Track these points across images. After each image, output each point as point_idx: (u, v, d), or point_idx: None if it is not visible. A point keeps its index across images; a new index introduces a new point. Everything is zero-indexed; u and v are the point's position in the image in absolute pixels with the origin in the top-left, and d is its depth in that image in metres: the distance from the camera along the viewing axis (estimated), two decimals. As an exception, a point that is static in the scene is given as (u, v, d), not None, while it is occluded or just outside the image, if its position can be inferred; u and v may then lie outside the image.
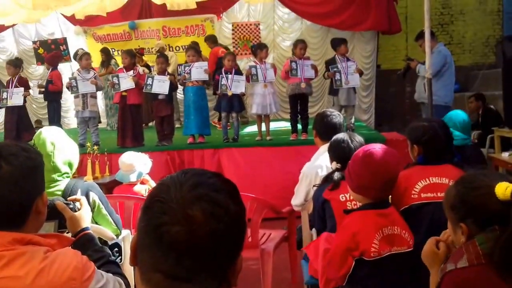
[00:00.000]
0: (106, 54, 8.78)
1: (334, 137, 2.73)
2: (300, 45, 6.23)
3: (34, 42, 10.03)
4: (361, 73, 6.50)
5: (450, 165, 2.46)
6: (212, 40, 8.45)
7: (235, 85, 6.05)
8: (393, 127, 8.73)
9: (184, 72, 6.17)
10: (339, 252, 2.08)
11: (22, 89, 6.79)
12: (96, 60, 8.69)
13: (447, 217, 1.59)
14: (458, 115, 3.71)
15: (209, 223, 0.87)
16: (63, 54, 9.60)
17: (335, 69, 6.22)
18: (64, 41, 9.86)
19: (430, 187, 2.34)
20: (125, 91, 6.30)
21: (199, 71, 6.12)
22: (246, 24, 9.59)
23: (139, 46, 9.47)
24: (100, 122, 7.42)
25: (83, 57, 6.81)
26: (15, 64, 7.14)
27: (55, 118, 7.18)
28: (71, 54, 9.29)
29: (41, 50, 9.92)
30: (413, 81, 7.76)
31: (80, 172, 5.33)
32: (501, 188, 1.39)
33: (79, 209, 1.80)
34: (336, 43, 6.54)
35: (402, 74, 7.35)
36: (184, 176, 0.92)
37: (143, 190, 3.74)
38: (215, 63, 7.52)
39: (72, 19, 9.36)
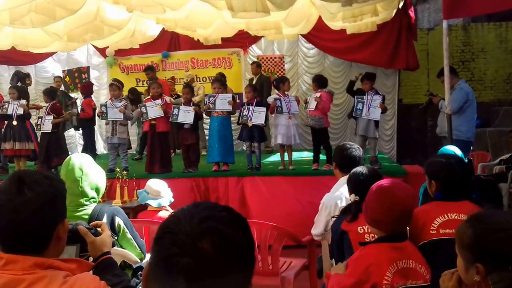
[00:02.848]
0: (134, 94, 8.64)
1: (353, 170, 2.75)
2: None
3: (63, 71, 10.49)
4: (384, 110, 6.51)
5: (468, 202, 2.46)
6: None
7: (256, 116, 6.24)
8: (415, 160, 8.71)
9: (209, 102, 6.39)
10: (350, 283, 2.07)
11: (51, 116, 7.12)
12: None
13: (457, 254, 1.57)
14: (447, 150, 3.66)
15: (218, 256, 0.87)
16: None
17: (359, 99, 6.34)
18: (87, 69, 10.30)
19: (448, 223, 2.35)
20: (154, 119, 6.53)
21: (223, 102, 6.32)
22: (271, 57, 9.84)
23: (165, 77, 9.75)
24: (130, 148, 7.60)
25: (109, 87, 7.11)
26: (49, 92, 7.53)
27: (88, 143, 7.46)
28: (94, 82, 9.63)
29: (67, 78, 10.38)
30: (434, 115, 7.80)
31: (110, 196, 5.54)
32: None
33: (100, 234, 1.84)
34: (362, 78, 6.69)
35: (424, 108, 7.41)
36: (196, 209, 0.94)
37: (167, 216, 3.87)
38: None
39: (102, 51, 9.78)
